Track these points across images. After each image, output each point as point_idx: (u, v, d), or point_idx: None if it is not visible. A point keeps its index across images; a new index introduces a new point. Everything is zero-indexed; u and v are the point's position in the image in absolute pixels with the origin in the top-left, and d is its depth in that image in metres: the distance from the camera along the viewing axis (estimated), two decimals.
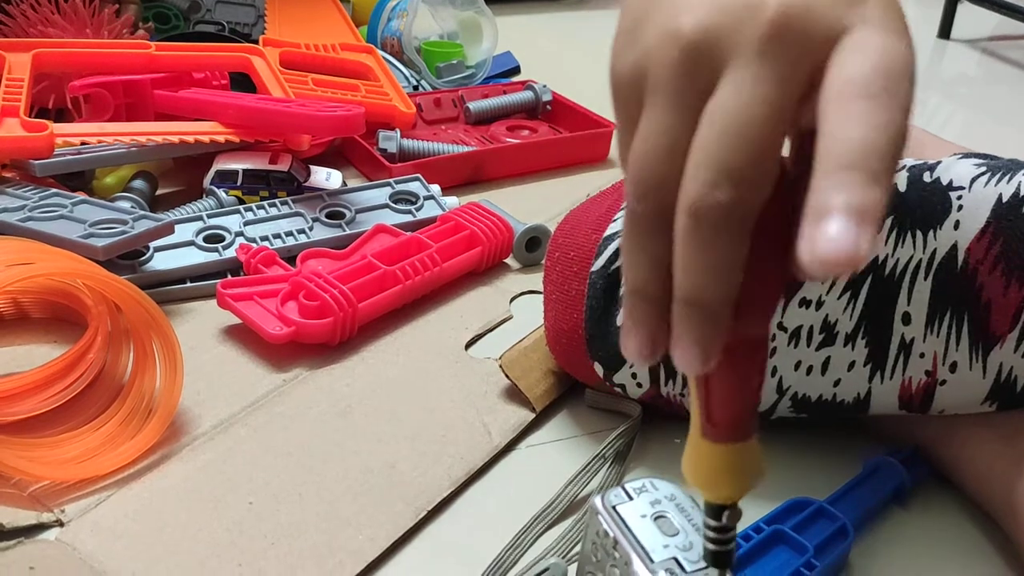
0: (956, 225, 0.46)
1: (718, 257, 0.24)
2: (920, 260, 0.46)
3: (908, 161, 0.50)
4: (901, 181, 0.48)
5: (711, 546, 0.30)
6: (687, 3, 0.25)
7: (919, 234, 0.46)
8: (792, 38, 0.24)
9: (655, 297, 0.26)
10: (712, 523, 0.30)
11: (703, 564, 0.34)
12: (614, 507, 0.35)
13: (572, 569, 0.44)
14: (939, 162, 0.49)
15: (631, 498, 0.36)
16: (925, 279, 0.46)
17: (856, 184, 0.22)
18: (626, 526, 0.35)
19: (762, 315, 0.26)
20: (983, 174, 0.47)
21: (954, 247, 0.46)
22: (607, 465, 0.52)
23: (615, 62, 0.27)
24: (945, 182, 0.47)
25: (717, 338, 0.25)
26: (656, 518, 0.35)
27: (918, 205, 0.47)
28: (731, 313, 0.25)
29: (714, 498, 0.29)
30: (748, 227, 0.24)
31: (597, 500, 0.36)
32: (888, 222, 0.47)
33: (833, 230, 0.21)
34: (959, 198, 0.46)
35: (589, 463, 0.51)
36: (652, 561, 0.33)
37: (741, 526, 0.45)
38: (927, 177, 0.48)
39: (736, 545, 0.30)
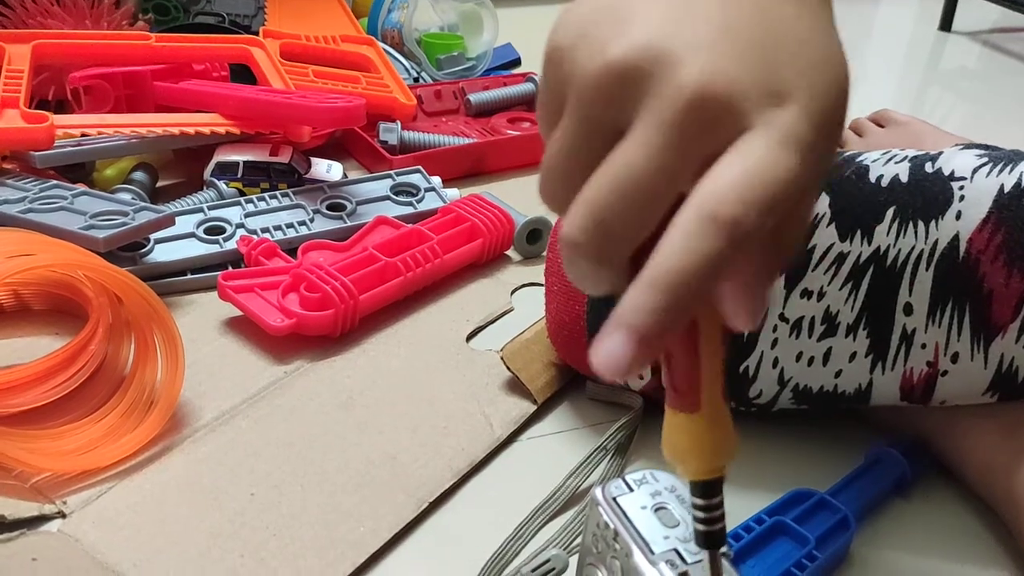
0: (958, 216, 0.46)
1: (584, 280, 0.25)
2: (922, 251, 0.46)
3: (909, 152, 0.50)
4: (902, 172, 0.48)
5: (699, 527, 0.30)
6: (618, 37, 0.25)
7: (921, 224, 0.46)
8: (703, 117, 0.24)
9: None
10: (698, 502, 0.30)
11: (704, 555, 0.34)
12: (615, 498, 0.35)
13: (573, 561, 0.44)
14: (941, 153, 0.49)
15: (632, 489, 0.36)
16: (927, 270, 0.46)
17: (644, 307, 0.23)
18: (627, 517, 0.35)
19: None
20: (984, 165, 0.47)
21: (956, 238, 0.46)
22: (608, 457, 0.52)
23: (544, 70, 0.27)
24: (947, 172, 0.47)
25: (600, 277, 0.26)
26: (657, 509, 0.35)
27: (920, 195, 0.47)
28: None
29: (691, 474, 0.29)
30: (615, 265, 0.25)
31: (598, 491, 0.36)
32: (889, 212, 0.47)
33: (607, 344, 0.24)
34: (961, 188, 0.46)
35: (590, 455, 0.51)
36: (653, 552, 0.33)
37: (742, 518, 0.46)
38: (929, 167, 0.48)
39: (725, 524, 0.30)
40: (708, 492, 0.29)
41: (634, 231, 0.24)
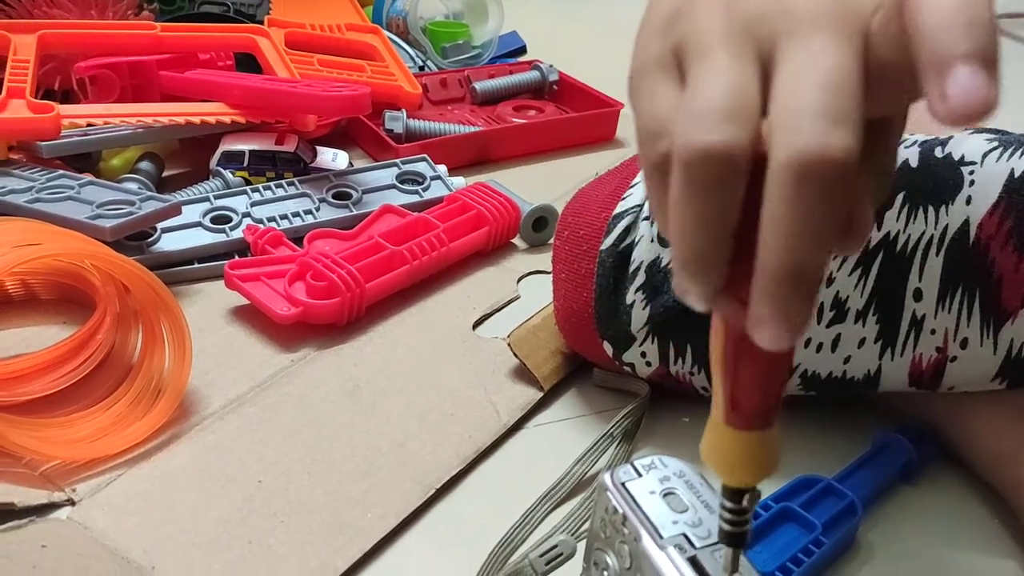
0: (968, 200, 0.45)
1: (824, 219, 0.21)
2: (932, 236, 0.46)
3: (919, 136, 0.49)
4: (912, 156, 0.47)
5: (726, 527, 0.30)
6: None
7: (931, 210, 0.46)
8: (852, 19, 0.23)
9: (719, 266, 0.24)
10: (730, 505, 0.30)
11: (713, 540, 0.33)
12: (623, 484, 0.35)
13: (581, 546, 0.44)
14: (950, 137, 0.48)
15: (640, 475, 0.36)
16: (937, 255, 0.46)
17: (975, 35, 0.21)
18: (635, 502, 0.35)
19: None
20: (995, 149, 0.47)
21: (966, 223, 0.45)
22: (615, 444, 0.52)
23: (646, 44, 0.26)
24: (957, 157, 0.47)
25: (809, 311, 0.23)
26: (665, 495, 0.35)
27: (929, 180, 0.46)
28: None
29: (732, 483, 0.29)
30: (849, 189, 0.22)
31: (606, 477, 0.36)
32: (899, 198, 0.46)
33: (963, 78, 0.21)
34: (971, 173, 0.46)
35: (597, 442, 0.51)
36: (661, 537, 0.33)
37: None
38: (938, 152, 0.47)
39: (751, 525, 0.30)
40: (740, 498, 0.29)
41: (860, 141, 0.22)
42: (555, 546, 0.40)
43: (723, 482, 0.29)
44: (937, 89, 0.21)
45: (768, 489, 0.47)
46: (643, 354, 0.52)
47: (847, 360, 0.49)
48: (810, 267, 0.22)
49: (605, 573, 0.36)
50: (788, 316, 0.22)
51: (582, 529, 0.46)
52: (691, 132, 0.23)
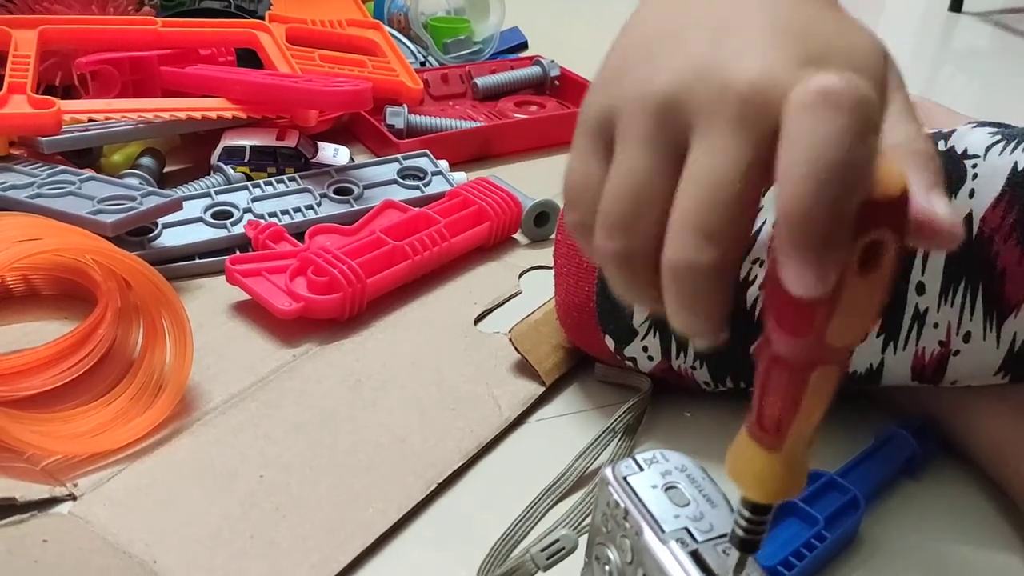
0: (971, 194, 0.45)
1: (702, 307, 0.25)
2: None
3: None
4: None
5: (741, 533, 0.30)
6: (664, 66, 0.27)
7: None
8: (759, 110, 0.24)
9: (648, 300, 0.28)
10: (745, 514, 0.30)
11: (715, 534, 0.33)
12: (624, 478, 0.35)
13: (583, 541, 0.44)
14: (953, 131, 0.48)
15: (642, 469, 0.36)
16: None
17: (809, 231, 0.23)
18: (637, 497, 0.34)
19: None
20: (998, 142, 0.46)
21: (969, 216, 0.45)
22: (617, 439, 0.52)
23: (588, 101, 0.29)
24: (960, 151, 0.46)
25: (717, 322, 0.26)
26: (667, 489, 0.35)
27: None
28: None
29: (757, 497, 0.29)
30: (728, 280, 0.25)
31: (607, 471, 0.36)
32: None
33: (790, 269, 0.23)
34: (974, 167, 0.46)
35: (599, 437, 0.51)
36: (663, 531, 0.33)
37: None
38: (942, 146, 0.47)
39: (765, 535, 0.30)
40: (760, 511, 0.29)
41: (743, 235, 0.25)
42: (557, 540, 0.40)
43: (742, 495, 0.29)
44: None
45: None
46: (645, 348, 0.51)
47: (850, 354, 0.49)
48: (700, 330, 0.26)
49: (607, 567, 0.36)
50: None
51: (584, 524, 0.46)
52: (598, 235, 0.27)
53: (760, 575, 0.32)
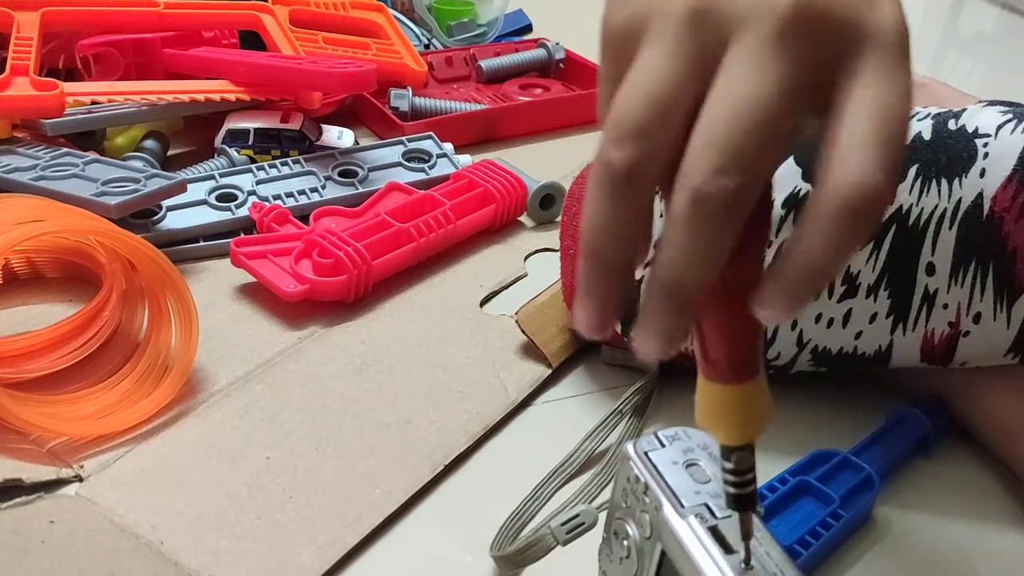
0: (982, 173, 0.45)
1: (710, 242, 0.23)
2: (945, 209, 0.45)
3: (932, 109, 0.49)
4: (925, 129, 0.47)
5: (730, 489, 0.30)
6: None
7: (944, 182, 0.45)
8: (811, 29, 0.23)
9: (616, 266, 0.25)
10: (727, 466, 0.30)
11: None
12: (646, 453, 0.35)
13: (601, 518, 0.44)
14: (964, 110, 0.48)
15: (663, 445, 0.36)
16: (950, 228, 0.45)
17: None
18: (657, 472, 0.34)
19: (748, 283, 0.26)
20: (1009, 121, 0.46)
21: (979, 196, 0.45)
22: (625, 420, 0.52)
23: (611, 9, 0.26)
24: (971, 129, 0.46)
25: (684, 328, 0.24)
26: (688, 465, 0.35)
27: (943, 153, 0.46)
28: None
29: (722, 439, 0.29)
30: (746, 214, 0.23)
31: (629, 446, 0.36)
32: (912, 171, 0.46)
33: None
34: (985, 146, 0.45)
35: (606, 418, 0.51)
36: (683, 506, 0.33)
37: (766, 477, 0.45)
38: (952, 125, 0.47)
39: (756, 486, 0.30)
40: (739, 457, 0.29)
41: (771, 165, 0.23)
42: (577, 515, 0.40)
43: (719, 442, 0.29)
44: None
45: (784, 463, 0.47)
46: None
47: (858, 335, 0.48)
48: (690, 282, 0.24)
49: (625, 543, 0.36)
50: (663, 326, 0.24)
51: (593, 504, 0.46)
52: (603, 142, 0.24)
53: (770, 542, 0.32)
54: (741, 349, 0.27)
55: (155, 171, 0.65)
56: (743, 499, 0.30)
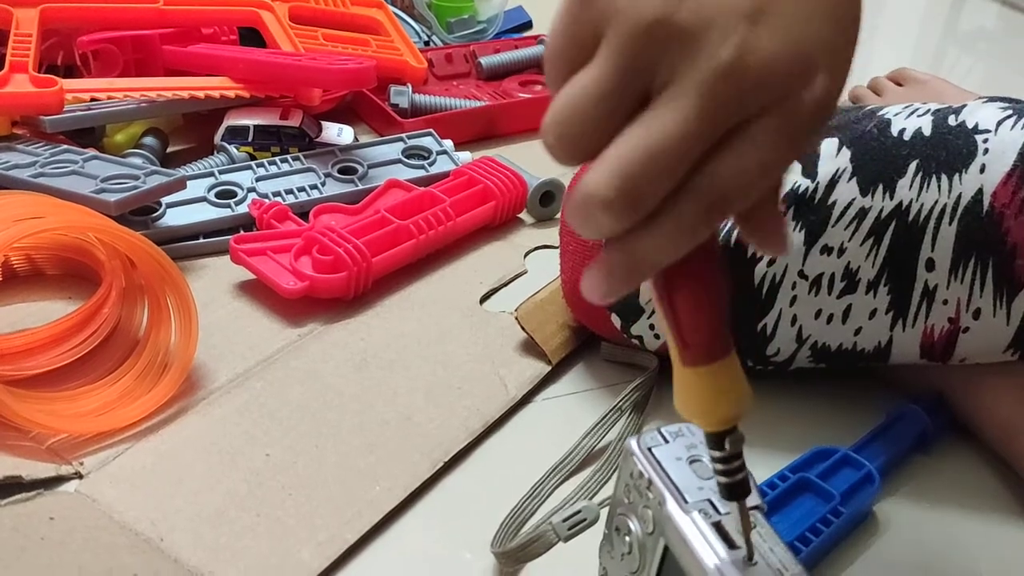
0: (982, 169, 0.45)
1: (598, 234, 0.25)
2: (945, 205, 0.45)
3: (932, 105, 0.49)
4: (925, 125, 0.47)
5: (722, 479, 0.30)
6: None
7: (944, 178, 0.45)
8: (737, 90, 0.23)
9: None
10: (715, 454, 0.30)
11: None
12: (649, 448, 0.35)
13: (603, 513, 0.44)
14: (964, 106, 0.48)
15: (667, 441, 0.36)
16: (950, 224, 0.45)
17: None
18: (661, 467, 0.34)
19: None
20: (1009, 117, 0.46)
21: (979, 191, 0.45)
22: (624, 417, 0.52)
23: (568, 8, 0.26)
24: (970, 125, 0.46)
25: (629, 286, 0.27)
26: (691, 461, 0.35)
27: (943, 149, 0.46)
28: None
29: (703, 425, 0.29)
30: (634, 221, 0.25)
31: (632, 442, 0.36)
32: (912, 166, 0.46)
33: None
34: (985, 141, 0.45)
35: (606, 415, 0.51)
36: (686, 501, 0.33)
37: (766, 474, 0.45)
38: (952, 120, 0.47)
39: (746, 473, 0.30)
40: (722, 443, 0.29)
41: (661, 191, 0.24)
42: (578, 511, 0.40)
43: (703, 429, 0.29)
44: None
45: (784, 460, 0.47)
46: (651, 326, 0.51)
47: (858, 331, 0.48)
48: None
49: (627, 538, 0.36)
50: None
51: (594, 500, 0.46)
52: (544, 132, 0.26)
53: (773, 537, 0.32)
54: (713, 323, 0.28)
55: (154, 168, 0.65)
56: (733, 487, 0.30)
